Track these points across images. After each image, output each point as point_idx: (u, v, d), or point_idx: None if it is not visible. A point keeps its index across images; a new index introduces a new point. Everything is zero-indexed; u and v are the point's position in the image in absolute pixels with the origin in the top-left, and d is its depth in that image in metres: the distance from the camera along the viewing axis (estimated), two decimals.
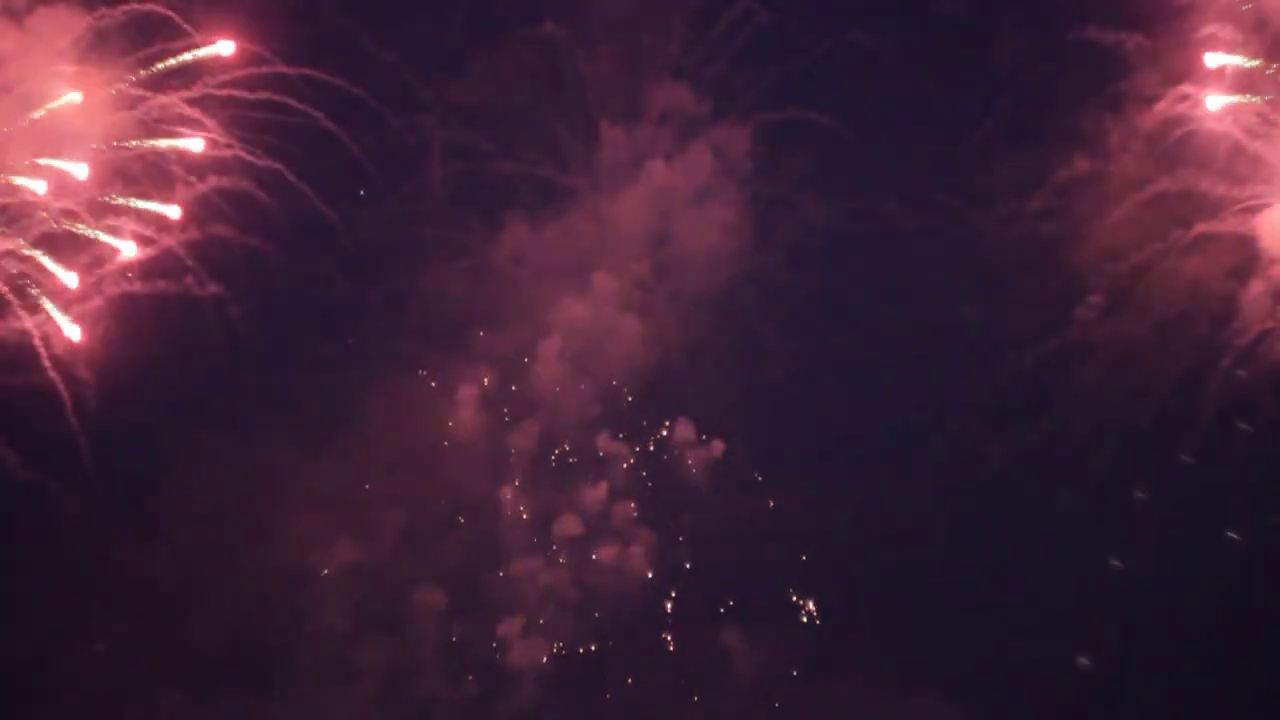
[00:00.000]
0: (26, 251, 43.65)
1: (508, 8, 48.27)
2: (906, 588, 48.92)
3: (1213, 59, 45.40)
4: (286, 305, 47.21)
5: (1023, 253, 48.36)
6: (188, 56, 44.44)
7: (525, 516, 49.33)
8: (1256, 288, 45.48)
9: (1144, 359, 47.13)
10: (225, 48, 45.14)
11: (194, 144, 45.06)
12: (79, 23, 43.14)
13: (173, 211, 45.41)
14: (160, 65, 44.38)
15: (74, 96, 43.09)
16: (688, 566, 49.66)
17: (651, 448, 50.15)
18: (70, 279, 44.13)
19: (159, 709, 46.22)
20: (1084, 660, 48.27)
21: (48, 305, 44.12)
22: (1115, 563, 48.01)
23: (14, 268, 43.86)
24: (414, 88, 47.49)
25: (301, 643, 47.72)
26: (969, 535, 48.97)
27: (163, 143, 44.93)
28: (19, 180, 43.15)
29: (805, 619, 49.31)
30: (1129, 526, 47.91)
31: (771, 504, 49.87)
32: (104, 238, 44.65)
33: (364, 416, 48.24)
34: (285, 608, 47.73)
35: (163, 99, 43.86)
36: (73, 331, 44.35)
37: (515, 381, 49.42)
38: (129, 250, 45.26)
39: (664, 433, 50.14)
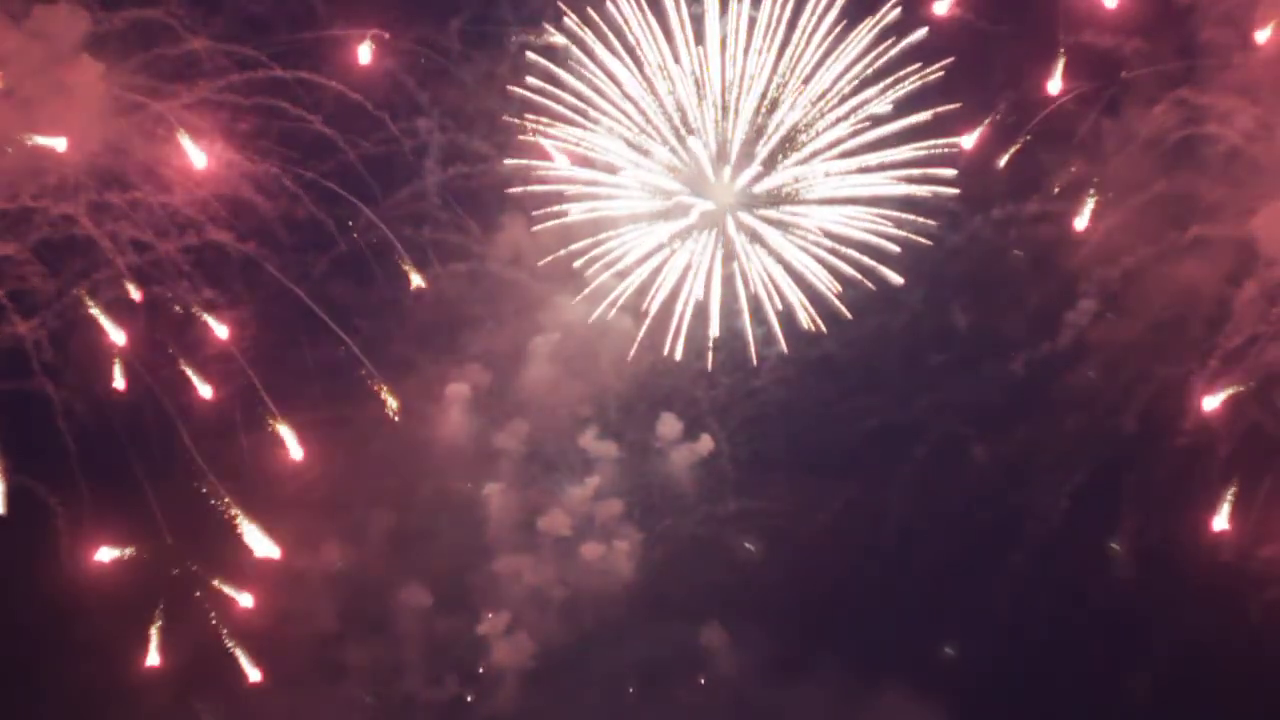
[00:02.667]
0: None
1: (506, 10, 48.03)
2: (895, 589, 49.33)
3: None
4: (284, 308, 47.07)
5: (1018, 255, 48.65)
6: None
7: (511, 514, 49.71)
8: (1251, 290, 45.62)
9: (1136, 361, 47.41)
10: None
11: None
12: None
13: None
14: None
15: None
16: (674, 565, 50.02)
17: (639, 446, 50.41)
18: None
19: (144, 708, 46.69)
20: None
21: None
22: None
23: None
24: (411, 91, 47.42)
25: (289, 642, 47.92)
26: (956, 538, 49.38)
27: None
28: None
29: (791, 619, 49.70)
30: (1121, 529, 48.44)
31: (759, 504, 50.21)
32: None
33: (358, 417, 48.47)
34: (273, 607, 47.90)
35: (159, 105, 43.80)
36: None
37: (510, 381, 49.57)
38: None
39: (652, 431, 50.30)
